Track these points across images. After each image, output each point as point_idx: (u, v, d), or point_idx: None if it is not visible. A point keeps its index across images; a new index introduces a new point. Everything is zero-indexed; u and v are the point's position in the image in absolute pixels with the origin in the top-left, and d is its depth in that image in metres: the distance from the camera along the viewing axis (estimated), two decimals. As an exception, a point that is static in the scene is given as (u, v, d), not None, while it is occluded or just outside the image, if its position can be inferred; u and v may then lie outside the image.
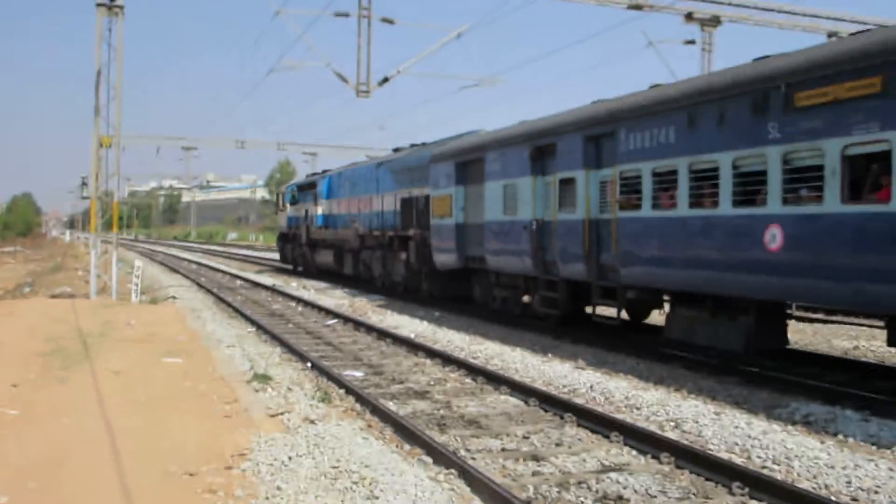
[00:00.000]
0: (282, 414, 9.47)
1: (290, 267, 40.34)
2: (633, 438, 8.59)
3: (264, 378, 11.51)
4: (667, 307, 14.06)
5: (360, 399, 10.50)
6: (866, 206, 9.21)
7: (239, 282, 33.12)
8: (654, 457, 8.11)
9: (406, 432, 8.81)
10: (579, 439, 8.94)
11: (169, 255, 61.59)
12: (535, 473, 7.74)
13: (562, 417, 9.69)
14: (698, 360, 12.54)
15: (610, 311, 14.70)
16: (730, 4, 25.93)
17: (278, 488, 6.90)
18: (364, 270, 28.69)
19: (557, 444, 8.73)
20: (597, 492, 7.22)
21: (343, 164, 36.07)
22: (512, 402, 10.79)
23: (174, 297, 25.59)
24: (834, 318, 18.05)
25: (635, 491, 7.22)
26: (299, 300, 24.02)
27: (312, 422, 9.13)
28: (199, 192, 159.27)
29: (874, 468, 7.54)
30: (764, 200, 10.52)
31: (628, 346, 14.07)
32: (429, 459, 7.99)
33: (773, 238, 10.35)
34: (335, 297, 25.17)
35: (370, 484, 6.98)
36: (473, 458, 8.09)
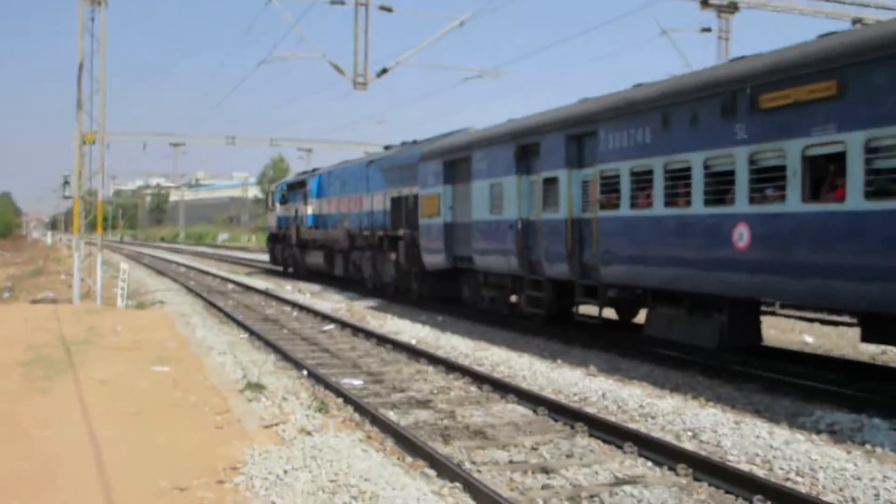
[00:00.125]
0: (276, 425, 9.48)
1: (280, 269, 40.68)
2: (648, 449, 8.59)
3: (258, 387, 11.52)
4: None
5: (360, 409, 10.50)
6: (824, 206, 10.01)
7: (230, 285, 33.15)
8: (670, 468, 8.11)
9: (408, 444, 8.81)
10: (591, 450, 8.93)
11: (156, 258, 61.64)
12: (544, 487, 7.73)
13: (572, 427, 9.69)
14: (716, 365, 12.57)
15: (606, 312, 15.46)
16: (748, -10, 25.94)
17: (273, 503, 6.91)
18: (354, 271, 29.15)
19: (568, 456, 8.73)
20: (610, 506, 7.22)
21: (341, 161, 36.26)
22: (520, 411, 10.79)
23: (162, 302, 25.61)
24: (809, 314, 18.87)
25: (651, 505, 7.22)
26: (294, 304, 24.04)
27: (309, 433, 9.14)
28: (187, 191, 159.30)
29: (904, 480, 7.53)
30: (732, 200, 11.30)
31: (640, 352, 14.08)
32: (432, 472, 7.99)
33: (741, 237, 11.15)
34: (332, 301, 25.20)
35: (370, 499, 6.99)
36: (479, 471, 8.09)
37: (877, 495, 7.26)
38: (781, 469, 8.06)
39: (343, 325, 19.18)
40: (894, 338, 10.79)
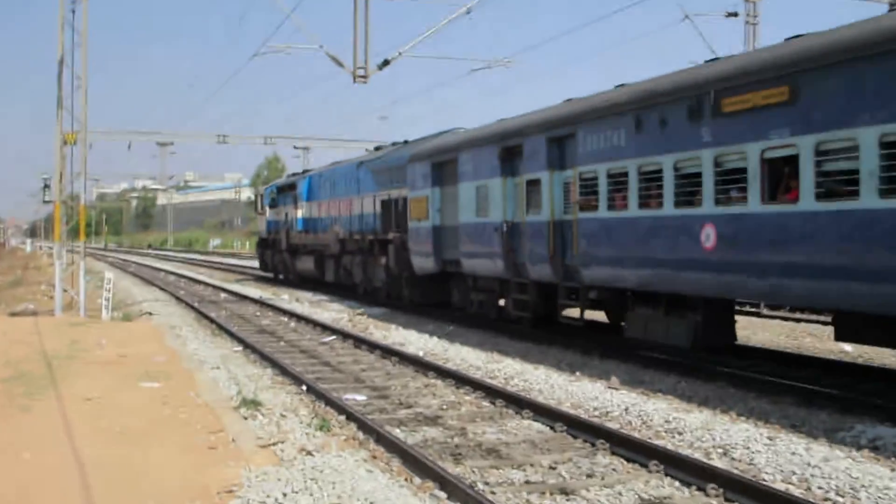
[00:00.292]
0: (274, 444, 9.48)
1: (270, 275, 41.22)
2: (676, 468, 8.55)
3: (254, 404, 11.52)
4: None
5: (364, 426, 10.50)
6: (780, 207, 11.09)
7: (223, 294, 33.23)
8: (699, 488, 8.08)
9: (416, 463, 8.79)
10: (614, 469, 8.91)
11: (143, 266, 61.83)
12: (563, 509, 7.71)
13: (593, 444, 9.67)
14: (747, 376, 12.56)
15: (597, 315, 16.64)
16: (778, -29, 25.93)
17: (272, 529, 6.91)
18: (345, 277, 29.73)
19: (589, 476, 8.71)
20: (635, 529, 7.20)
21: (341, 159, 36.56)
22: (536, 427, 10.77)
23: (150, 313, 25.67)
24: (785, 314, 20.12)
25: (679, 528, 7.20)
26: (291, 314, 24.08)
27: (309, 453, 9.13)
28: (176, 194, 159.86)
29: (953, 499, 7.49)
30: (700, 201, 12.42)
31: (665, 362, 14.06)
32: (442, 494, 7.98)
33: (708, 237, 12.26)
34: (332, 311, 25.24)
35: (376, 523, 6.97)
36: (493, 492, 8.08)
37: (924, 516, 7.23)
38: (820, 488, 8.02)
39: (344, 336, 19.19)
40: (865, 336, 11.71)
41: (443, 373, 14.15)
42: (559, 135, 15.95)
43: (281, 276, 39.70)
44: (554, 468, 8.95)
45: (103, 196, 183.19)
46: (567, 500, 7.97)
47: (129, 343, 17.91)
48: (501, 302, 19.32)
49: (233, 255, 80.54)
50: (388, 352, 16.59)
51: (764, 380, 12.31)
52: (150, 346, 17.52)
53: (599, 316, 18.57)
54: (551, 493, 8.12)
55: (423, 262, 22.08)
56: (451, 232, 20.45)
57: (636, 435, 9.92)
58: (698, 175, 12.41)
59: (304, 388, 13.15)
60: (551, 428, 10.57)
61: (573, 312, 16.46)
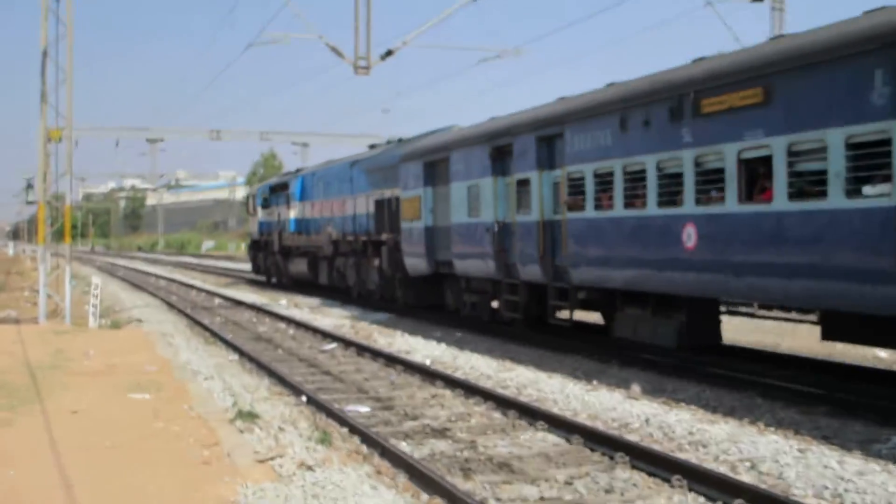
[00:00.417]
0: (272, 459, 9.48)
1: (263, 278, 41.66)
2: (700, 482, 8.54)
3: (250, 416, 11.53)
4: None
5: (367, 439, 10.51)
6: (756, 206, 11.86)
7: (217, 300, 33.29)
8: (725, 504, 8.06)
9: (423, 478, 8.79)
10: (634, 484, 8.89)
11: (133, 270, 61.97)
12: (581, 527, 7.71)
13: (612, 458, 9.66)
14: (773, 384, 12.55)
15: (594, 317, 17.57)
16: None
17: (270, 550, 6.91)
18: (339, 279, 30.22)
19: (607, 491, 8.70)
20: (657, 548, 7.19)
21: (341, 156, 36.72)
22: (551, 439, 10.77)
23: (140, 321, 25.71)
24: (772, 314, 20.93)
25: (704, 547, 7.18)
26: (290, 320, 24.11)
27: (310, 468, 9.14)
28: (166, 194, 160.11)
29: None
30: (682, 201, 13.17)
31: (689, 370, 14.05)
32: (451, 512, 7.97)
33: (689, 237, 13.02)
34: (332, 317, 25.28)
35: (381, 543, 6.97)
36: (506, 510, 8.07)
37: (966, 533, 7.20)
38: (855, 504, 8.00)
39: (346, 343, 19.20)
40: (852, 335, 12.27)
41: (451, 382, 14.15)
42: (548, 134, 16.68)
43: (274, 280, 40.00)
44: (570, 483, 8.94)
45: (90, 196, 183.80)
46: (584, 517, 7.96)
47: (118, 352, 17.95)
48: (495, 304, 19.90)
49: (227, 259, 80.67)
50: (392, 360, 16.60)
51: (793, 388, 12.28)
52: (141, 356, 17.54)
53: (596, 318, 18.98)
54: (567, 510, 8.12)
55: (415, 264, 22.70)
56: (444, 233, 21.12)
57: (657, 448, 9.90)
58: (680, 175, 13.17)
59: (304, 398, 13.16)
60: (567, 440, 10.56)
61: (568, 314, 17.05)
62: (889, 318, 10.48)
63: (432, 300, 23.44)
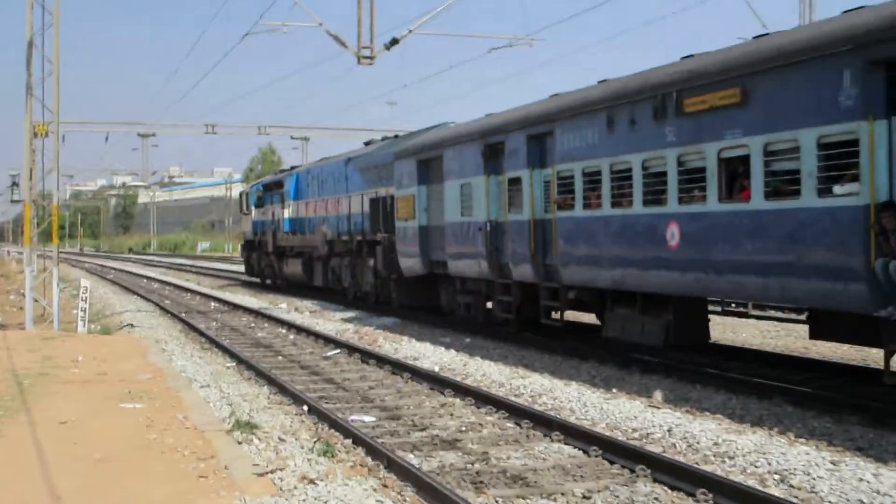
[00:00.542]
0: (272, 472, 9.48)
1: (257, 280, 42.01)
2: (727, 496, 8.51)
3: (249, 426, 11.54)
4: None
5: (373, 451, 10.51)
6: (735, 205, 12.62)
7: (213, 303, 33.37)
8: (754, 520, 8.04)
9: (432, 493, 8.79)
10: (656, 498, 8.88)
11: (124, 272, 62.13)
12: (600, 544, 7.70)
13: (632, 471, 9.64)
14: (803, 392, 12.53)
15: (588, 318, 18.49)
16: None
17: (270, 568, 6.91)
18: (334, 280, 30.62)
19: (628, 506, 8.68)
20: (681, 566, 7.17)
21: (342, 151, 36.87)
22: (567, 451, 10.75)
23: (132, 326, 25.78)
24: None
25: (731, 565, 7.16)
26: (290, 325, 24.15)
27: (312, 481, 9.14)
28: (159, 191, 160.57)
29: None
30: (666, 200, 13.88)
31: (714, 377, 14.04)
32: (462, 528, 7.97)
33: (673, 235, 13.70)
34: (335, 321, 25.31)
35: (388, 561, 6.97)
36: (520, 526, 8.06)
37: None
38: (892, 519, 7.98)
39: (350, 349, 19.22)
40: (839, 334, 12.89)
41: (461, 390, 14.15)
42: (538, 132, 17.42)
43: (268, 282, 40.20)
44: (588, 497, 8.93)
45: (78, 194, 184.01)
46: (604, 533, 7.95)
47: (109, 359, 17.99)
48: (489, 304, 20.51)
49: (223, 260, 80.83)
50: (399, 367, 16.61)
51: (825, 396, 12.25)
52: (133, 363, 17.58)
53: (591, 319, 19.38)
54: (586, 526, 8.11)
55: (410, 264, 23.34)
56: (438, 232, 21.76)
57: (681, 459, 9.88)
58: (664, 174, 13.89)
59: (306, 408, 13.18)
60: (585, 452, 10.54)
61: (568, 314, 17.61)
62: (867, 317, 10.93)
63: (427, 301, 23.88)
